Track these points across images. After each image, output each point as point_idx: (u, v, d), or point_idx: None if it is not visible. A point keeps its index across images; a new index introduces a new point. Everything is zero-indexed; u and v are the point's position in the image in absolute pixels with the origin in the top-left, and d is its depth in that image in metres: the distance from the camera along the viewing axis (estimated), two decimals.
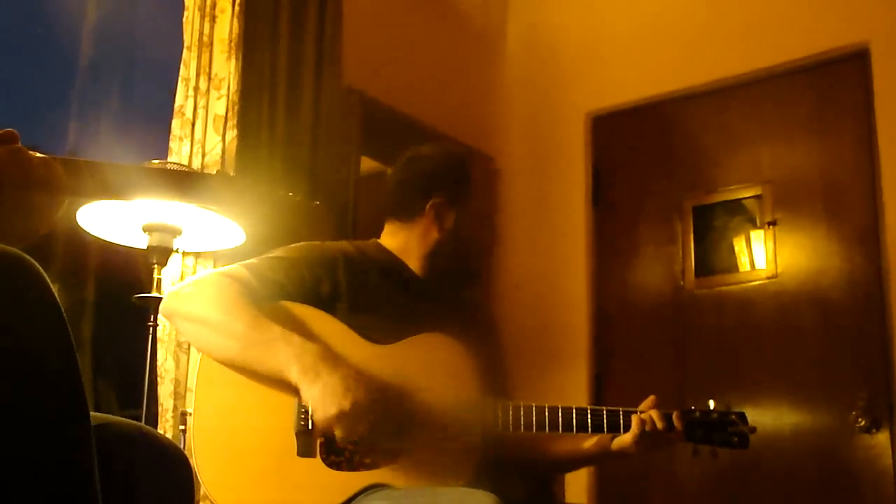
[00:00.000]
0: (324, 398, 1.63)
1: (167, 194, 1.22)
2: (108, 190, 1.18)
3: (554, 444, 1.99)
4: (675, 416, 1.85)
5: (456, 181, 1.97)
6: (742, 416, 1.88)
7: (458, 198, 1.96)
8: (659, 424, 1.81)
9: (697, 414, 1.87)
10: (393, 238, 2.01)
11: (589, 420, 1.81)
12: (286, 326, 1.72)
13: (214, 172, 2.58)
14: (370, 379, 1.71)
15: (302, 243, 1.93)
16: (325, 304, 1.82)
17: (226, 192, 1.20)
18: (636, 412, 1.83)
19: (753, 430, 1.87)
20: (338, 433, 1.65)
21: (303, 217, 1.29)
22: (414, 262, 1.98)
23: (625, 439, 1.83)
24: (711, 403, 1.89)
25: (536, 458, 2.01)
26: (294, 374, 1.66)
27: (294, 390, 1.69)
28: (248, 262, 1.87)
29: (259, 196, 1.23)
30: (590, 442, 1.91)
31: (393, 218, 2.02)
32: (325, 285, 1.84)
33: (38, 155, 1.10)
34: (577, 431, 1.81)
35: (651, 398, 1.87)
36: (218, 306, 1.74)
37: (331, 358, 1.69)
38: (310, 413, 1.70)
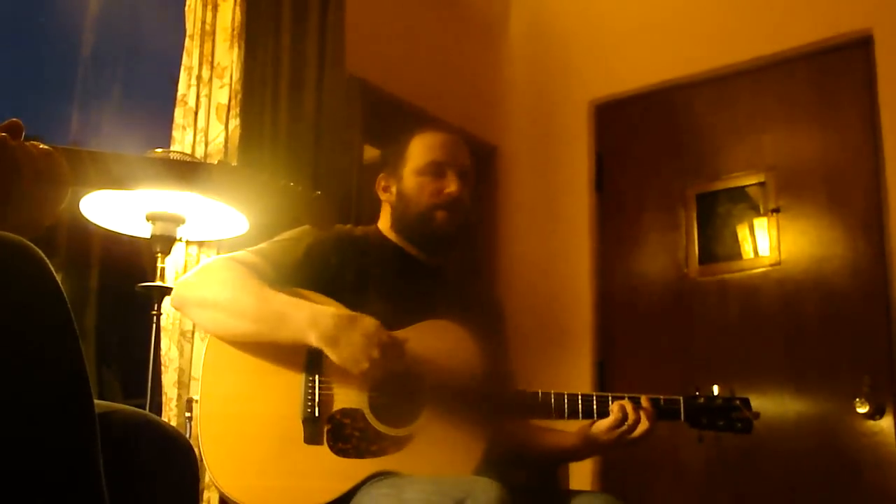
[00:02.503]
0: (353, 356, 1.66)
1: (168, 184, 1.22)
2: (111, 180, 1.18)
3: (550, 437, 1.99)
4: (643, 399, 1.84)
5: (393, 155, 2.05)
6: (746, 402, 1.88)
7: (395, 170, 2.02)
8: (631, 416, 1.81)
9: (702, 400, 1.88)
10: (382, 221, 2.06)
11: (594, 406, 1.81)
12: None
13: (216, 162, 2.58)
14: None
15: (308, 227, 1.93)
16: (331, 289, 1.83)
17: (227, 181, 1.20)
18: (638, 397, 1.83)
19: (757, 415, 1.88)
20: (379, 376, 1.71)
21: (304, 207, 1.29)
22: (396, 240, 2.02)
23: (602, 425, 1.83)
24: (716, 389, 1.90)
25: (536, 451, 2.00)
26: (314, 340, 1.68)
27: (300, 374, 1.72)
28: (254, 247, 1.88)
29: (260, 185, 1.23)
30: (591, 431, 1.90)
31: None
32: (331, 270, 1.85)
33: (40, 146, 1.10)
34: (582, 417, 1.82)
35: None
36: (225, 287, 1.75)
37: (345, 314, 1.71)
38: (316, 400, 1.71)
